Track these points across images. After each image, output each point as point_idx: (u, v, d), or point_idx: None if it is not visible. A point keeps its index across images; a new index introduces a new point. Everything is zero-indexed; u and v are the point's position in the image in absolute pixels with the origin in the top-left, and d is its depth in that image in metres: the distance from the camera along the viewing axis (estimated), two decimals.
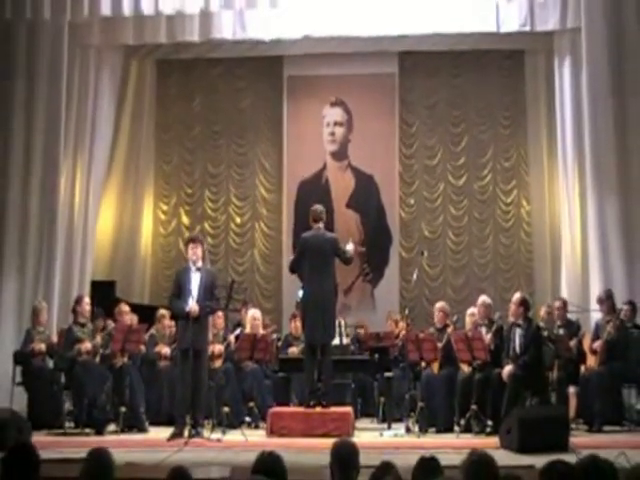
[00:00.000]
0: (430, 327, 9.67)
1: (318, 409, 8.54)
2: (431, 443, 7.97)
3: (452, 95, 13.30)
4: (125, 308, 9.78)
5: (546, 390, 8.83)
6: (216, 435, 8.31)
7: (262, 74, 13.47)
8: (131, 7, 10.05)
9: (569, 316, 9.58)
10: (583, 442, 7.59)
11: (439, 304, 9.77)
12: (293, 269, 9.20)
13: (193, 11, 10.33)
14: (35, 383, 9.32)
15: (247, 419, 9.34)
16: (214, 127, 13.62)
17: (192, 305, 8.28)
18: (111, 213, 12.92)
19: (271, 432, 8.51)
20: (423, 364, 9.19)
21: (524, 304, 8.88)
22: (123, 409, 8.92)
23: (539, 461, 4.58)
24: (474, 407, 8.58)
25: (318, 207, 8.96)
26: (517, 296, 8.97)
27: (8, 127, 10.55)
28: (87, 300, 9.50)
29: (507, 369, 8.45)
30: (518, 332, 8.66)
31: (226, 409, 8.84)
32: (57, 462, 6.27)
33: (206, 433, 8.32)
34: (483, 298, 9.40)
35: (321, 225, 8.82)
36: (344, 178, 13.33)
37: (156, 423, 9.22)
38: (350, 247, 8.87)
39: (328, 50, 12.24)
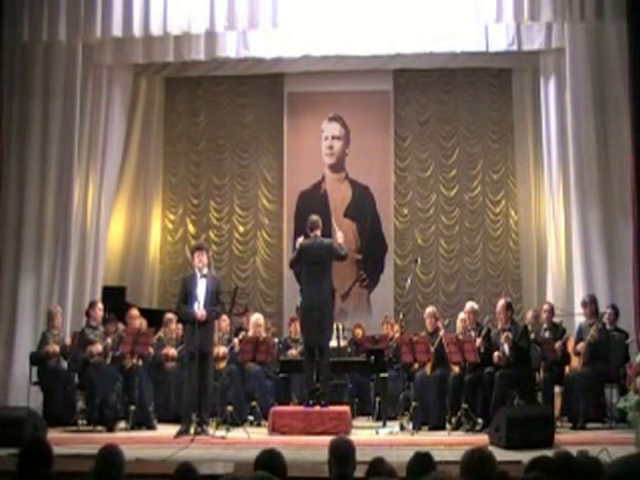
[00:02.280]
0: (423, 331, 9.68)
1: (317, 408, 8.56)
2: (424, 440, 7.99)
3: (444, 111, 13.34)
4: (135, 313, 9.83)
5: (533, 390, 8.86)
6: (220, 433, 8.34)
7: (264, 91, 13.50)
8: (141, 28, 10.07)
9: (554, 320, 9.61)
10: (567, 439, 7.63)
11: (429, 309, 9.81)
12: (293, 265, 9.23)
13: (199, 31, 10.35)
14: (50, 383, 9.35)
15: (250, 418, 9.36)
16: (218, 141, 13.65)
17: (199, 310, 8.30)
18: (121, 222, 12.93)
19: (272, 430, 8.52)
20: (416, 365, 9.23)
21: (510, 308, 8.94)
22: (133, 408, 8.95)
23: (526, 457, 4.61)
24: (465, 406, 8.61)
25: (314, 217, 9.03)
26: (502, 302, 9.01)
27: (25, 142, 10.56)
28: (100, 306, 9.51)
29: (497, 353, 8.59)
30: (507, 334, 8.68)
31: (230, 408, 8.84)
32: (71, 457, 6.30)
33: (211, 431, 8.35)
34: (470, 304, 9.45)
35: (318, 233, 8.87)
36: (341, 189, 13.35)
37: (164, 421, 9.25)
38: (340, 235, 8.92)
39: (326, 68, 12.26)
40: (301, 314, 8.95)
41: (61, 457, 5.17)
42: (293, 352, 10.18)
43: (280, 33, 10.64)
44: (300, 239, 8.97)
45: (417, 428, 8.83)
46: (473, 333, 9.01)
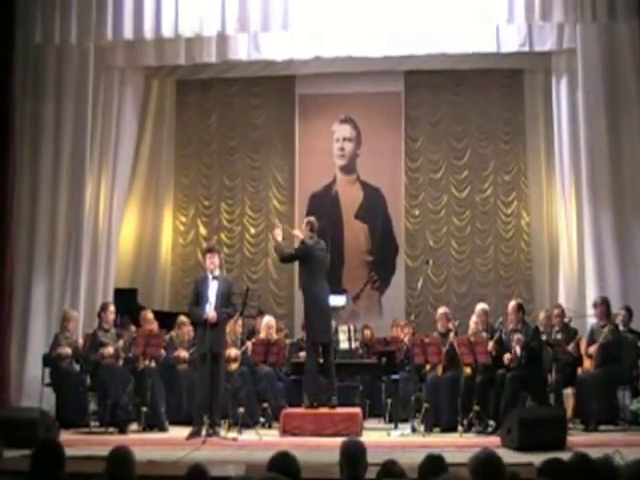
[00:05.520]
0: (434, 332, 9.65)
1: (327, 410, 8.55)
2: (436, 442, 7.98)
3: (455, 112, 13.32)
4: (150, 316, 9.86)
5: (545, 391, 8.83)
6: (232, 434, 8.35)
7: (275, 93, 13.52)
8: (152, 30, 10.09)
9: (566, 321, 9.57)
10: (580, 441, 7.59)
11: (441, 310, 9.78)
12: (288, 259, 9.34)
13: (210, 34, 10.36)
14: (62, 385, 9.37)
15: (261, 419, 9.35)
16: (230, 143, 13.67)
17: (210, 312, 8.31)
18: (133, 224, 12.97)
19: (284, 432, 8.52)
20: (428, 367, 9.20)
21: (521, 309, 8.91)
22: (144, 409, 8.97)
23: (537, 459, 4.59)
24: (476, 407, 8.58)
25: (313, 218, 9.13)
26: (513, 303, 8.99)
27: (38, 143, 10.60)
28: (112, 309, 9.51)
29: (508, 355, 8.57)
30: (518, 337, 8.66)
31: (241, 410, 8.84)
32: (83, 459, 6.31)
33: (223, 432, 8.35)
34: (481, 306, 9.41)
35: (315, 235, 8.95)
36: (353, 191, 13.35)
37: (176, 423, 9.24)
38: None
39: (337, 70, 12.25)
40: (309, 311, 8.88)
41: (73, 458, 5.18)
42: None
43: (291, 35, 10.65)
44: (299, 234, 9.07)
45: (429, 430, 8.81)
46: (485, 334, 8.98)
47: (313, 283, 8.82)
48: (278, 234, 9.06)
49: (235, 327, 9.51)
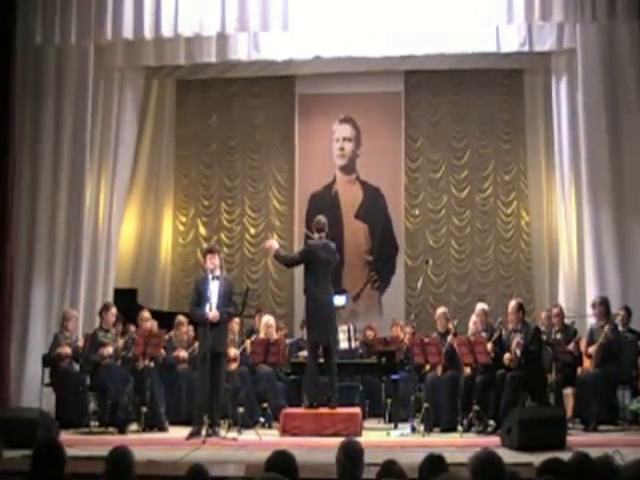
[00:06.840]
0: (434, 332, 9.65)
1: (328, 410, 8.54)
2: (436, 442, 7.97)
3: (455, 112, 13.32)
4: (147, 315, 9.86)
5: (544, 392, 8.83)
6: (232, 434, 8.34)
7: (275, 93, 13.52)
8: (152, 30, 10.09)
9: (566, 321, 9.57)
10: (580, 441, 7.59)
11: (440, 310, 9.78)
12: (291, 264, 9.50)
13: (210, 34, 10.37)
14: (62, 385, 9.36)
15: (261, 419, 9.34)
16: (230, 143, 13.67)
17: (211, 312, 8.31)
18: (133, 224, 12.97)
19: (283, 432, 8.51)
20: (428, 367, 9.20)
21: (521, 309, 8.91)
22: (144, 409, 8.95)
23: (537, 459, 4.60)
24: (476, 407, 8.58)
25: (322, 218, 9.06)
26: (513, 303, 8.99)
27: (38, 144, 10.59)
28: (113, 311, 9.47)
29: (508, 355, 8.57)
30: (518, 337, 8.66)
31: (241, 410, 8.84)
32: (82, 459, 6.31)
33: (222, 432, 8.35)
34: (481, 306, 9.41)
35: (323, 235, 8.90)
36: (353, 191, 13.35)
37: (175, 423, 9.23)
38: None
39: (337, 70, 12.25)
40: (309, 312, 8.87)
41: (73, 459, 5.17)
42: (305, 354, 10.16)
43: (291, 35, 10.65)
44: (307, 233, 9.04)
45: (428, 430, 8.80)
46: (484, 334, 8.98)
47: (315, 284, 8.79)
48: (273, 244, 9.08)
49: (234, 326, 9.52)
